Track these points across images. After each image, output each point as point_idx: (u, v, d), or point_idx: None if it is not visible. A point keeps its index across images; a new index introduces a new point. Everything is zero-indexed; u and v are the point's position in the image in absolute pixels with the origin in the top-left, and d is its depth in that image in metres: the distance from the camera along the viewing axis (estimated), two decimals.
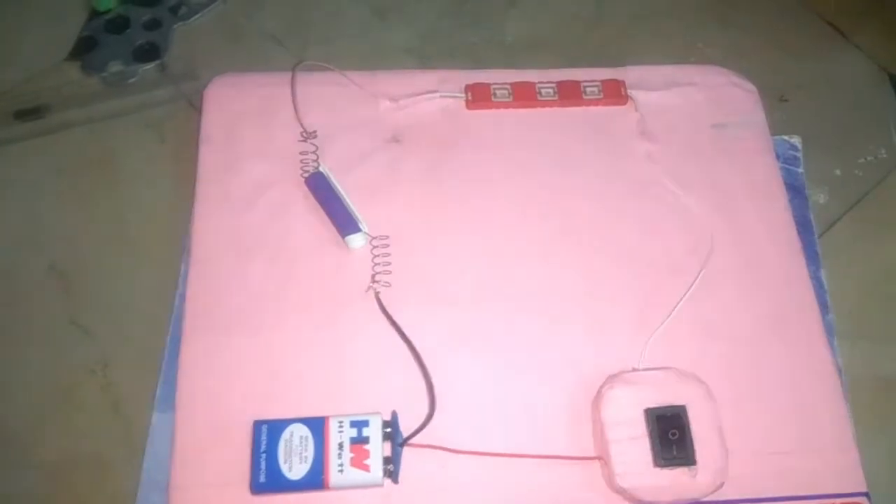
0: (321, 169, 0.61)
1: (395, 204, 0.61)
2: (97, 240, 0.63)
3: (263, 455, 0.49)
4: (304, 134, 0.62)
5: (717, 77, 0.69)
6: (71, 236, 0.63)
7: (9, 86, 0.69)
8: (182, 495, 0.51)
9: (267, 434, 0.50)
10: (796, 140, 0.69)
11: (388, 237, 0.60)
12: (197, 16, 0.73)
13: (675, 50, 0.75)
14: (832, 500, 0.53)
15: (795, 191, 0.66)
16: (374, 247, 0.59)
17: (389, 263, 0.59)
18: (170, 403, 0.54)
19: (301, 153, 0.62)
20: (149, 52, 0.70)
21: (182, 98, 0.68)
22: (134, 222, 0.63)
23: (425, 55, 0.73)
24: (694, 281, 0.59)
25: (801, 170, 0.68)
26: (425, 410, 0.53)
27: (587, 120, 0.66)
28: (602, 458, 0.52)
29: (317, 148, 0.62)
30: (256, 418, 0.51)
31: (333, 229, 0.59)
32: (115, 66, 0.69)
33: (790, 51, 0.75)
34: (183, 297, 0.57)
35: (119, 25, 0.72)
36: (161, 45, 0.70)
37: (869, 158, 0.70)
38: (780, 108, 0.71)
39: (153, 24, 0.72)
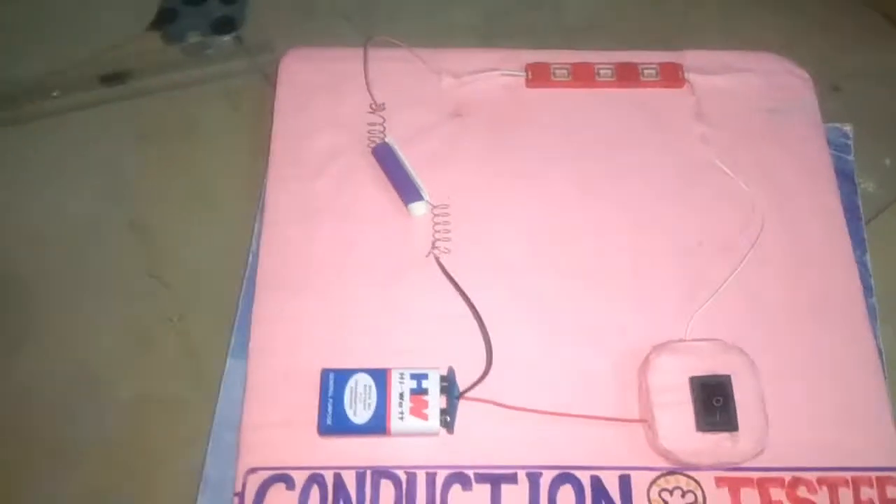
0: (387, 140, 0.64)
1: (455, 175, 0.64)
2: (175, 199, 0.67)
3: (331, 400, 0.53)
4: (374, 105, 0.66)
5: (772, 64, 0.71)
6: (150, 195, 0.68)
7: (94, 52, 0.74)
8: (253, 434, 0.55)
9: (334, 381, 0.53)
10: (848, 128, 0.71)
11: (448, 206, 0.63)
12: None
13: (731, 36, 0.77)
14: (868, 473, 0.54)
15: (845, 177, 0.68)
16: (436, 215, 0.62)
17: (449, 231, 0.62)
18: (243, 351, 0.58)
19: (369, 124, 0.66)
20: (225, 25, 0.74)
21: (257, 70, 0.72)
22: (210, 184, 0.68)
23: (487, 34, 0.76)
24: (743, 259, 0.61)
25: (851, 157, 0.69)
26: (480, 368, 0.56)
27: (644, 101, 0.68)
28: (647, 420, 0.55)
29: (384, 120, 0.65)
30: (324, 367, 0.55)
31: (397, 197, 0.63)
32: (194, 37, 0.73)
33: (844, 41, 0.77)
34: (256, 255, 0.61)
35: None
36: (237, 18, 0.74)
37: None
38: (833, 96, 0.73)
39: None
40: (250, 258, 0.62)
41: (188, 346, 0.61)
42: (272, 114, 0.64)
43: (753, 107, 0.68)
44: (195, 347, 0.61)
